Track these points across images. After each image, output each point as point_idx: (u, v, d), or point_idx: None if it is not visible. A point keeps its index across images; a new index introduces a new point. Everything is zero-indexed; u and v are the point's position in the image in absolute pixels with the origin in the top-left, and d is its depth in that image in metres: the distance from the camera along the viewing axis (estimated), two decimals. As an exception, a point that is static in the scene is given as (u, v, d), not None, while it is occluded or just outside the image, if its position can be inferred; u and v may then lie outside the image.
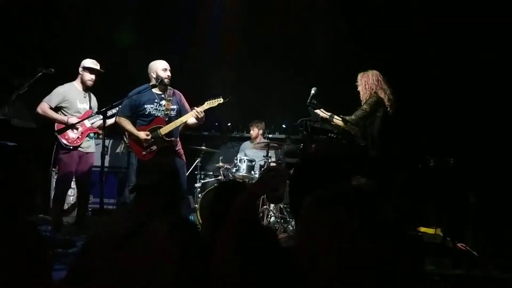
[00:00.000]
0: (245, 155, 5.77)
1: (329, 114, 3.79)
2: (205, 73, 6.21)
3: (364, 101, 3.80)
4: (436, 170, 4.06)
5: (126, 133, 4.49)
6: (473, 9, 4.89)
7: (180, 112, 4.21)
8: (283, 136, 6.31)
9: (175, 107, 4.18)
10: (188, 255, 1.59)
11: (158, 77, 4.09)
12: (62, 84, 4.36)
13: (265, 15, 6.13)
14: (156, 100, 4.11)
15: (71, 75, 4.44)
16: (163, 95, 4.14)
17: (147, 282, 1.61)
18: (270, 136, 6.26)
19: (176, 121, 4.11)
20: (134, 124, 4.15)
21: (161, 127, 4.07)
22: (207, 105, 4.12)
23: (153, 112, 4.09)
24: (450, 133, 4.81)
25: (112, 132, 4.82)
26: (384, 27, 5.45)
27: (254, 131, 5.98)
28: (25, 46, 5.36)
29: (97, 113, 4.05)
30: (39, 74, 4.08)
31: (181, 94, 4.30)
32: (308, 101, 3.79)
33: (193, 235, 1.71)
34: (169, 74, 4.12)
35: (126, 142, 5.14)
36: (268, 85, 6.23)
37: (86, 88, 4.40)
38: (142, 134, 4.04)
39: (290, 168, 3.61)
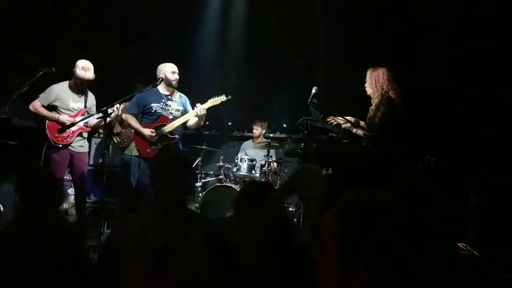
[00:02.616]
0: (246, 154, 5.76)
1: (353, 119, 3.72)
2: (206, 73, 6.20)
3: (376, 100, 3.68)
4: (437, 170, 4.05)
5: (119, 131, 4.49)
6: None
7: (185, 114, 4.31)
8: (284, 135, 6.30)
9: (180, 108, 4.31)
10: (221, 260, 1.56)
11: (166, 79, 4.21)
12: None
13: (266, 14, 6.13)
14: (163, 100, 4.23)
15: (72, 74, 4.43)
16: (170, 96, 4.28)
17: None
18: (271, 135, 6.25)
19: (180, 118, 4.23)
20: (140, 122, 4.28)
21: (166, 125, 4.18)
22: (210, 103, 4.23)
23: (159, 111, 4.21)
24: (452, 132, 4.79)
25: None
26: (385, 28, 5.45)
27: (257, 130, 5.96)
28: (26, 45, 5.36)
29: (98, 112, 4.06)
30: (40, 73, 4.09)
31: (187, 98, 4.42)
32: (309, 100, 3.78)
33: (222, 239, 1.67)
34: (177, 77, 4.25)
35: (115, 141, 5.15)
36: (269, 85, 6.23)
37: (80, 88, 4.33)
38: (147, 131, 4.14)
39: (323, 167, 3.61)
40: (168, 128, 4.17)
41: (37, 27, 5.50)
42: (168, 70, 4.23)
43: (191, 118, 4.27)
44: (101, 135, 5.10)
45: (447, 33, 5.10)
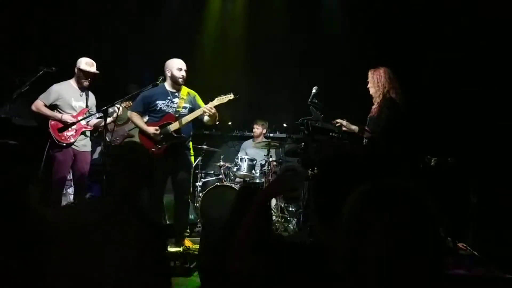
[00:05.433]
0: (246, 154, 5.77)
1: (357, 128, 3.71)
2: (207, 72, 6.20)
3: (377, 99, 3.68)
4: (437, 169, 4.06)
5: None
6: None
7: (193, 111, 4.19)
8: (284, 135, 6.31)
9: (187, 105, 4.19)
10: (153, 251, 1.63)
11: (172, 76, 4.13)
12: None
13: (267, 14, 6.13)
14: (168, 97, 4.14)
15: (73, 74, 4.43)
16: (176, 93, 4.18)
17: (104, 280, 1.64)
18: (271, 135, 6.25)
19: (186, 117, 4.12)
20: (146, 120, 4.24)
21: (171, 123, 4.09)
22: (217, 101, 4.10)
23: (164, 108, 4.12)
24: (452, 132, 4.80)
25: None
26: (386, 28, 5.45)
27: (258, 130, 5.97)
28: (26, 44, 5.36)
29: (98, 111, 4.07)
30: (41, 73, 4.08)
31: (196, 94, 4.31)
32: (309, 100, 3.78)
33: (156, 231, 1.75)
34: (184, 74, 4.15)
35: (107, 139, 5.11)
36: (269, 84, 6.23)
37: (83, 87, 4.34)
38: (151, 129, 4.07)
39: (308, 168, 3.60)
40: (173, 126, 4.07)
41: (39, 26, 5.50)
42: (175, 66, 4.14)
43: (205, 116, 4.11)
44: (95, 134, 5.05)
45: (447, 33, 5.11)
